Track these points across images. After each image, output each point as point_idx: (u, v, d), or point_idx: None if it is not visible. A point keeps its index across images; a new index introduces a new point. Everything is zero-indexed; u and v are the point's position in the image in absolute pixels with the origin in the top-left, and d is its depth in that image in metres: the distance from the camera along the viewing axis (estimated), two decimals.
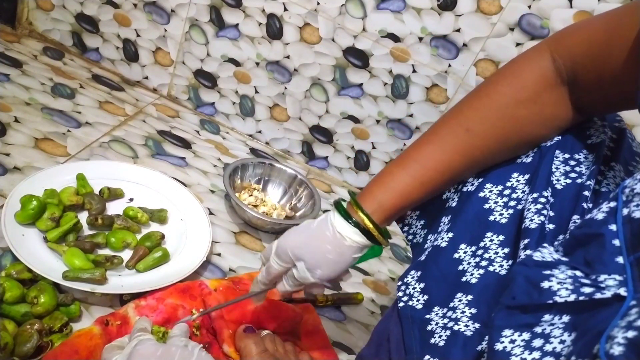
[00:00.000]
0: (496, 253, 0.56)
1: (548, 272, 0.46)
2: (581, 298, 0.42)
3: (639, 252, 0.41)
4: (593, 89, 0.53)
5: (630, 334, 0.35)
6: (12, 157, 0.91)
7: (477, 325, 0.54)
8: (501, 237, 0.56)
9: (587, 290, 0.42)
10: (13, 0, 1.25)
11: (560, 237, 0.53)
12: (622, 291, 0.40)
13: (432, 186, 0.59)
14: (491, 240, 0.56)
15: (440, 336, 0.56)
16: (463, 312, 0.55)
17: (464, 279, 0.56)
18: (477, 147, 0.58)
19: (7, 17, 1.26)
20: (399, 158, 0.61)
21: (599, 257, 0.43)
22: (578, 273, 0.44)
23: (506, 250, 0.55)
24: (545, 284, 0.45)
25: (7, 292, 0.66)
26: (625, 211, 0.43)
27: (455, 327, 0.55)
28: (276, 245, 0.63)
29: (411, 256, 0.77)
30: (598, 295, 0.41)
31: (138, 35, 1.22)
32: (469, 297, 0.55)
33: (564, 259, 0.47)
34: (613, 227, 0.44)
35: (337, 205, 0.60)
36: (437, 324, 0.57)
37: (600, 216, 0.46)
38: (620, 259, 0.42)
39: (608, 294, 0.41)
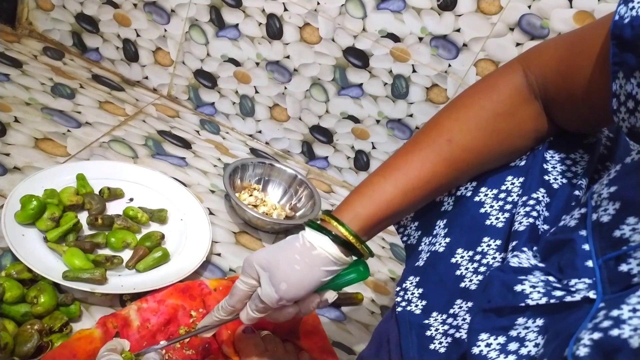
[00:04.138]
0: (494, 258, 0.55)
1: (523, 277, 0.47)
2: (552, 301, 0.43)
3: (607, 255, 0.42)
4: (565, 106, 0.54)
5: (596, 335, 0.35)
6: (12, 157, 0.91)
7: None
8: (498, 242, 0.56)
9: (558, 293, 0.43)
10: (13, 0, 1.25)
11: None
12: (592, 294, 0.41)
13: (415, 196, 0.57)
14: (488, 245, 0.56)
15: (440, 342, 0.55)
16: (464, 320, 0.55)
17: (462, 284, 0.56)
18: (460, 157, 0.57)
19: (7, 17, 1.26)
20: (379, 169, 0.59)
21: (571, 262, 0.44)
22: (551, 278, 0.46)
23: (503, 255, 0.55)
24: (519, 287, 0.46)
25: (7, 292, 0.66)
26: (594, 216, 0.45)
27: (457, 335, 0.54)
28: (243, 262, 0.59)
29: None
30: (568, 299, 0.42)
31: (138, 35, 1.22)
32: (469, 304, 0.55)
33: (540, 264, 0.48)
34: (583, 232, 0.45)
35: (308, 221, 0.58)
36: (436, 330, 0.56)
37: (572, 223, 0.47)
38: (589, 263, 0.43)
39: (578, 297, 0.42)
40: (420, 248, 0.64)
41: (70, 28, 1.27)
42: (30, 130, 0.99)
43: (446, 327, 0.56)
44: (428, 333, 0.57)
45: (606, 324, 0.36)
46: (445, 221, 0.61)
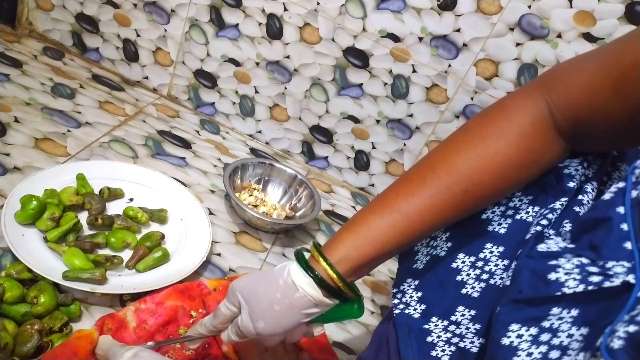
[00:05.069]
0: (496, 265, 0.54)
1: (554, 262, 0.44)
2: (590, 288, 0.41)
3: None
4: (602, 138, 0.49)
5: (632, 328, 0.34)
6: (12, 157, 0.91)
7: (482, 340, 0.53)
8: (501, 249, 0.54)
9: (595, 279, 0.41)
10: (13, 0, 1.25)
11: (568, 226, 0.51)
12: (631, 278, 0.39)
13: (413, 237, 0.53)
14: (491, 252, 0.55)
15: (443, 350, 0.54)
16: (468, 328, 0.54)
17: (464, 291, 0.55)
18: (474, 204, 0.54)
19: (7, 17, 1.26)
20: (375, 205, 0.54)
21: (606, 241, 0.42)
22: (584, 260, 0.43)
23: (506, 262, 0.54)
24: (552, 275, 0.43)
25: (7, 292, 0.66)
26: (634, 193, 0.42)
27: (461, 344, 0.53)
28: (230, 285, 0.57)
29: None
30: (607, 284, 0.40)
31: (138, 35, 1.22)
32: (472, 312, 0.54)
33: (570, 246, 0.46)
34: (621, 209, 0.42)
35: (297, 254, 0.54)
36: (438, 337, 0.55)
37: (607, 196, 0.44)
38: (628, 245, 0.40)
39: (617, 281, 0.40)
40: (415, 248, 0.62)
41: (70, 28, 1.27)
42: (30, 130, 0.99)
43: (449, 334, 0.55)
44: (429, 339, 0.56)
45: None
46: None
